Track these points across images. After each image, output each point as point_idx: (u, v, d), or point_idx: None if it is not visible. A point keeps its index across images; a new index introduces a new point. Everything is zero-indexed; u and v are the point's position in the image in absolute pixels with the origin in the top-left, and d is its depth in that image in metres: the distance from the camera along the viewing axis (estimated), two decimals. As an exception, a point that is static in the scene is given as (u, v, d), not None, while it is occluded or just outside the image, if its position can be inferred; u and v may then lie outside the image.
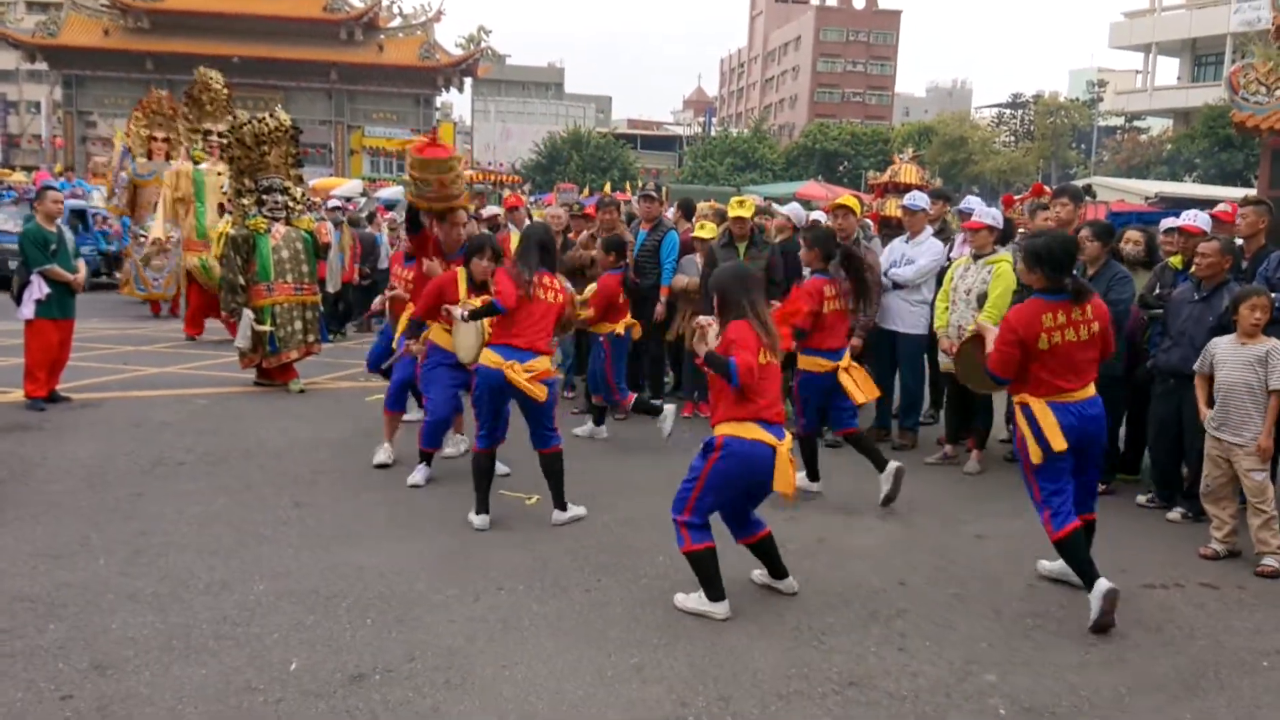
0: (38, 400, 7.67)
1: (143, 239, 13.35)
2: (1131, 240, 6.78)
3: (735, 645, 3.96)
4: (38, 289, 7.68)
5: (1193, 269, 5.90)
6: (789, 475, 4.10)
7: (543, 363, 5.23)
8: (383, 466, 6.32)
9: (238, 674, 3.58)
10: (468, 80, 54.35)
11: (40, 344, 7.73)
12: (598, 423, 7.44)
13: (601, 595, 4.43)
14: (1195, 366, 5.46)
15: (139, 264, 13.39)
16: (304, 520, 5.32)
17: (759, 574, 4.57)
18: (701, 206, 10.78)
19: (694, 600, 4.24)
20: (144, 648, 3.75)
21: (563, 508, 5.42)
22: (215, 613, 4.08)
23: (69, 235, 8.09)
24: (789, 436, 4.21)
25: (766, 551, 4.43)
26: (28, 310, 7.70)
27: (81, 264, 8.13)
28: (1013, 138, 57.81)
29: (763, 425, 4.12)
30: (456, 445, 6.65)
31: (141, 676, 3.54)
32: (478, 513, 5.29)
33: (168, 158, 13.49)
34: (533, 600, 4.34)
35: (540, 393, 5.11)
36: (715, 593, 4.20)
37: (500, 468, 5.87)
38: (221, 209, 10.62)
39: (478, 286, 5.74)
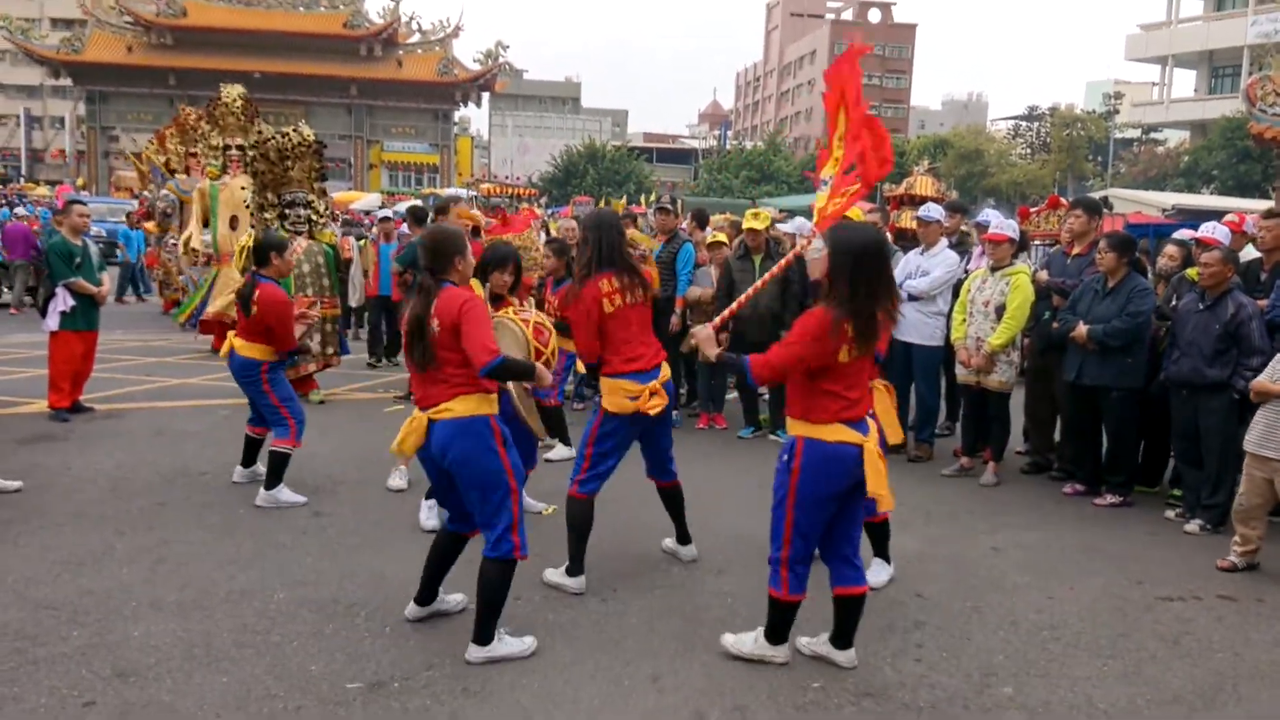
0: (61, 411, 7.78)
1: (173, 248, 13.58)
2: (1168, 255, 6.75)
3: (751, 655, 3.96)
4: (63, 301, 7.79)
5: (1198, 279, 5.89)
6: (881, 473, 3.62)
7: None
8: (399, 492, 6.09)
9: (258, 682, 3.62)
10: (485, 95, 54.78)
11: (64, 355, 7.84)
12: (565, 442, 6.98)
13: (617, 605, 4.45)
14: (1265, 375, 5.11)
15: (175, 273, 13.70)
16: (323, 529, 5.37)
17: None
18: (716, 219, 10.83)
19: (749, 644, 3.91)
20: (166, 655, 3.80)
21: (684, 540, 5.01)
22: (236, 621, 4.13)
23: (93, 249, 8.21)
24: (874, 430, 3.74)
25: None
26: (53, 322, 7.81)
27: (106, 277, 8.24)
28: (1029, 150, 57.65)
29: (846, 424, 3.63)
30: (403, 477, 6.23)
31: (163, 684, 3.59)
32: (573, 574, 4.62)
33: (203, 173, 13.67)
34: (549, 610, 4.37)
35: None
36: (780, 638, 3.89)
37: (533, 504, 5.69)
38: (234, 221, 10.68)
39: (493, 300, 5.63)
